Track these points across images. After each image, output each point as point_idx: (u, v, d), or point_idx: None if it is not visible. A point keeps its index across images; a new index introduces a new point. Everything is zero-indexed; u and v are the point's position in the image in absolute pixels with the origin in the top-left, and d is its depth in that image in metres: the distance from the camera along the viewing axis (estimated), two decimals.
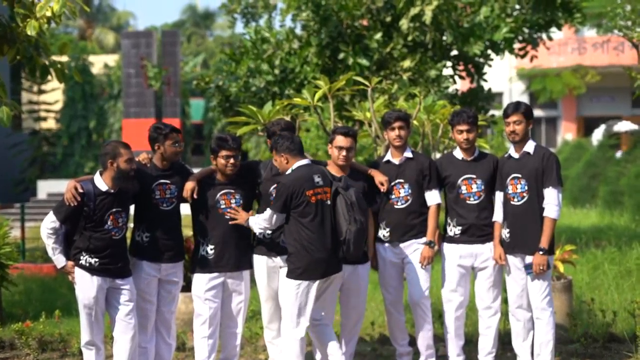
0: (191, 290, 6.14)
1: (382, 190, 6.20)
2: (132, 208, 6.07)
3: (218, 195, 6.05)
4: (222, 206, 6.04)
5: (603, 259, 10.59)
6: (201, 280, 6.06)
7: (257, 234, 6.08)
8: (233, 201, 6.06)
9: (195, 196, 6.00)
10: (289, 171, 5.80)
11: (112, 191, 5.76)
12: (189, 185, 6.00)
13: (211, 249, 6.05)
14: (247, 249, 6.20)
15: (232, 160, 5.99)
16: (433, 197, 6.28)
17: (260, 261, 6.19)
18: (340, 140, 6.10)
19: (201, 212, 6.10)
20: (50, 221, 5.74)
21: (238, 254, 6.10)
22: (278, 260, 6.12)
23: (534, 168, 6.08)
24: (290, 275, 5.74)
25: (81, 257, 5.75)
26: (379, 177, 6.22)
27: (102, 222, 5.75)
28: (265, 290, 6.22)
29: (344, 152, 6.08)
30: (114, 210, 5.79)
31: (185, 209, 6.18)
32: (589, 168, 21.21)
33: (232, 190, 6.08)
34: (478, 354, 6.40)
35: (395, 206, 6.29)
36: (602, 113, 31.53)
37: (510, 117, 6.13)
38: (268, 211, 5.80)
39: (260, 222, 5.85)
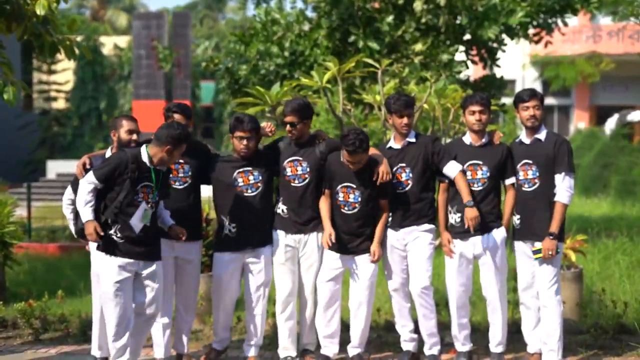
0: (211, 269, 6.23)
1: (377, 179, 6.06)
2: None
3: (235, 174, 6.11)
4: (240, 184, 6.10)
5: (614, 249, 10.48)
6: (221, 259, 6.20)
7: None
8: (251, 178, 6.12)
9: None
10: None
11: None
12: None
13: (233, 227, 6.13)
14: (270, 226, 6.24)
15: (245, 142, 6.06)
16: (452, 168, 6.10)
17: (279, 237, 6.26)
18: (345, 155, 5.97)
19: (220, 191, 6.20)
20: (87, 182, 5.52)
21: (259, 231, 6.15)
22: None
23: (545, 154, 6.01)
24: None
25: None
26: (381, 167, 6.05)
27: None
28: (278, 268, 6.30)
29: (351, 165, 5.99)
30: None
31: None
32: (601, 157, 21.06)
33: (250, 168, 6.13)
34: (489, 343, 6.31)
35: (397, 190, 6.18)
36: (616, 102, 31.22)
37: (529, 101, 6.06)
38: None
39: None
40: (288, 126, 6.13)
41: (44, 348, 6.92)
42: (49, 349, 6.90)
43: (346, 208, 6.09)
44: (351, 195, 6.08)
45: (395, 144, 6.26)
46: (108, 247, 5.50)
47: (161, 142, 5.50)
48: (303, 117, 6.17)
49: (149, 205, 5.54)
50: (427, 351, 6.29)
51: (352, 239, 6.12)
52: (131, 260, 5.51)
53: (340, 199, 6.10)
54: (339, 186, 6.10)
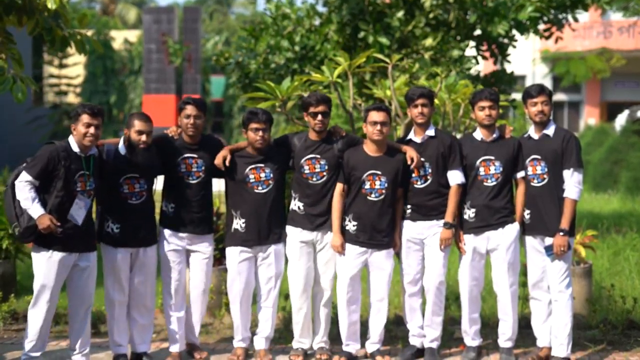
0: (223, 264, 6.24)
1: (410, 164, 6.11)
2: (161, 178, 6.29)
3: (247, 170, 6.14)
4: (252, 180, 6.11)
5: (624, 245, 10.45)
6: (233, 253, 6.19)
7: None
8: (263, 175, 6.14)
9: (227, 164, 6.09)
10: None
11: (129, 157, 5.95)
12: (222, 153, 6.12)
13: (243, 222, 6.14)
14: (279, 223, 6.25)
15: (260, 134, 6.10)
16: (455, 177, 6.15)
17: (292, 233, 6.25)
18: (374, 115, 6.08)
19: (232, 186, 6.24)
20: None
21: (268, 227, 6.16)
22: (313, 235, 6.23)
23: (553, 150, 6.04)
24: None
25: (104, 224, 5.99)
26: (410, 153, 6.13)
27: (117, 185, 5.94)
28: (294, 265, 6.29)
29: (378, 127, 6.05)
30: (128, 175, 5.95)
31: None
32: (612, 154, 20.95)
33: (262, 165, 6.15)
34: (498, 338, 6.32)
35: (415, 185, 6.19)
36: (626, 98, 31.09)
37: (537, 97, 6.08)
38: None
39: None
40: (319, 116, 6.14)
41: (54, 341, 6.95)
42: (59, 341, 6.94)
43: (373, 195, 6.11)
44: (377, 182, 6.11)
45: (415, 137, 6.27)
46: (45, 242, 5.64)
47: (76, 119, 5.70)
48: (330, 107, 6.25)
49: (86, 195, 5.75)
50: (427, 343, 6.29)
51: (375, 230, 6.12)
52: (69, 254, 5.71)
53: (367, 187, 6.11)
54: (364, 175, 6.11)
